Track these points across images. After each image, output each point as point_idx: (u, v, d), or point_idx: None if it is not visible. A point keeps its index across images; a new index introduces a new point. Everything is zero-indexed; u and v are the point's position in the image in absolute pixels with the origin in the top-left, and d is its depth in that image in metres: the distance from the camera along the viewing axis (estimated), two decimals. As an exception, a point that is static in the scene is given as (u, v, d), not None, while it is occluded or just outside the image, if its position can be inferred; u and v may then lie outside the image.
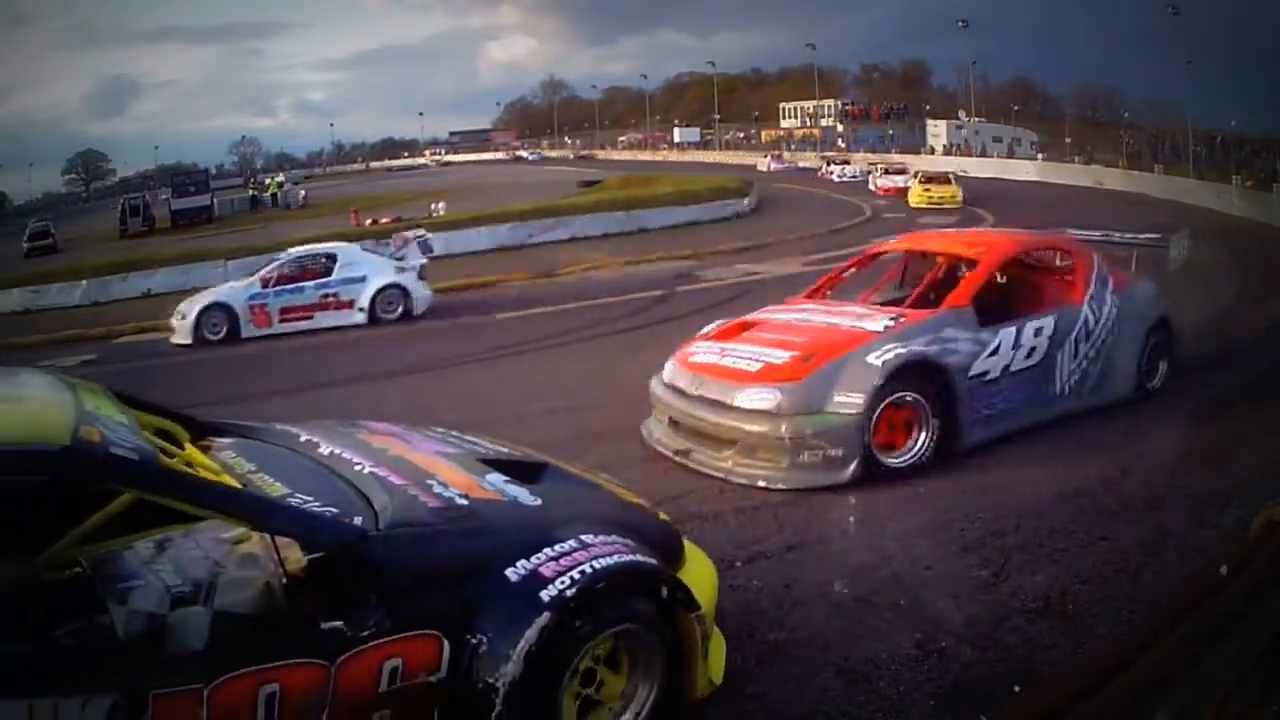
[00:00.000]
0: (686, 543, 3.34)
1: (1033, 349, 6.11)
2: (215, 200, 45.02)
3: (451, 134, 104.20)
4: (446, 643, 2.56)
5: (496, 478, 3.26)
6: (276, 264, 13.68)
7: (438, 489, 3.03)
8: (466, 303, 15.12)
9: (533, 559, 2.73)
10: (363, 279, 13.38)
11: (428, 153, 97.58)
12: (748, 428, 5.34)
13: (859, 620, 3.71)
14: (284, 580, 2.51)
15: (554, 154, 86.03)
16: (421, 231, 15.44)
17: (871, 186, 36.36)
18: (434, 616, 2.56)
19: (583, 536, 2.85)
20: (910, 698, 3.16)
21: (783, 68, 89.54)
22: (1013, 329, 6.05)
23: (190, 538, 2.76)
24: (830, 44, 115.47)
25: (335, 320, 13.24)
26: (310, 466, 3.24)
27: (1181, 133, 44.42)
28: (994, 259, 6.53)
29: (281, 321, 13.14)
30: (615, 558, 2.80)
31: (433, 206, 32.02)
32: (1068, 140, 54.10)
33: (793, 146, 70.00)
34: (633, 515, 3.28)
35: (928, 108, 71.73)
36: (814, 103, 79.48)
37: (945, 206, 28.36)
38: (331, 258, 13.64)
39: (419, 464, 3.28)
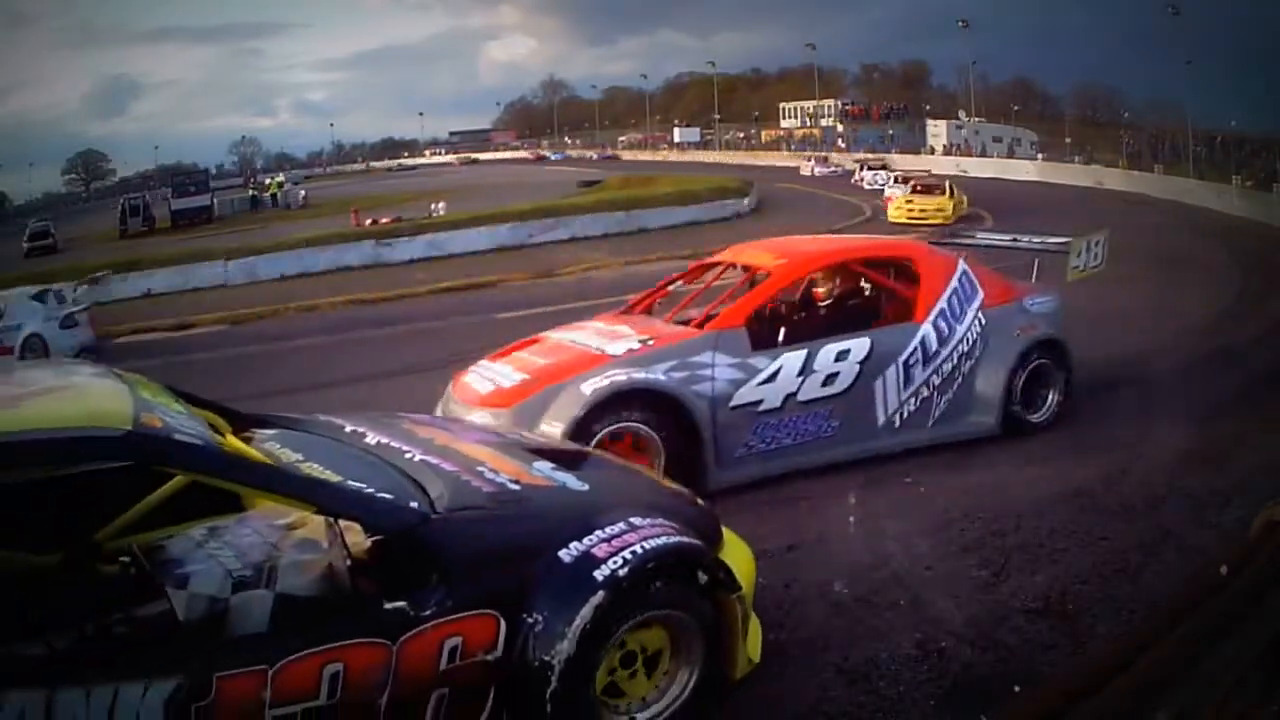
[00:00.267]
0: (724, 528, 3.40)
1: (832, 375, 5.45)
2: (215, 200, 44.97)
3: (451, 134, 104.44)
4: (503, 622, 2.63)
5: (544, 465, 3.35)
6: None
7: (489, 475, 3.11)
8: (467, 303, 15.12)
9: (584, 540, 2.80)
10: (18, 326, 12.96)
11: (450, 154, 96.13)
12: None
13: (859, 620, 3.70)
14: (348, 562, 2.57)
15: (577, 154, 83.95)
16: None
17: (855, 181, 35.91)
18: (492, 596, 2.63)
19: (631, 519, 2.93)
20: (910, 698, 3.16)
21: (783, 68, 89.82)
22: (801, 353, 5.42)
23: (246, 523, 2.82)
24: (830, 44, 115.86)
25: None
26: (359, 455, 3.30)
27: (1181, 133, 44.45)
28: (783, 274, 5.85)
29: None
30: (663, 539, 2.88)
31: (432, 206, 32.05)
32: (1068, 140, 54.19)
33: (793, 146, 69.87)
34: (673, 500, 3.37)
35: (928, 108, 71.83)
36: (814, 103, 79.56)
37: (931, 222, 23.24)
38: None
39: (467, 452, 3.36)
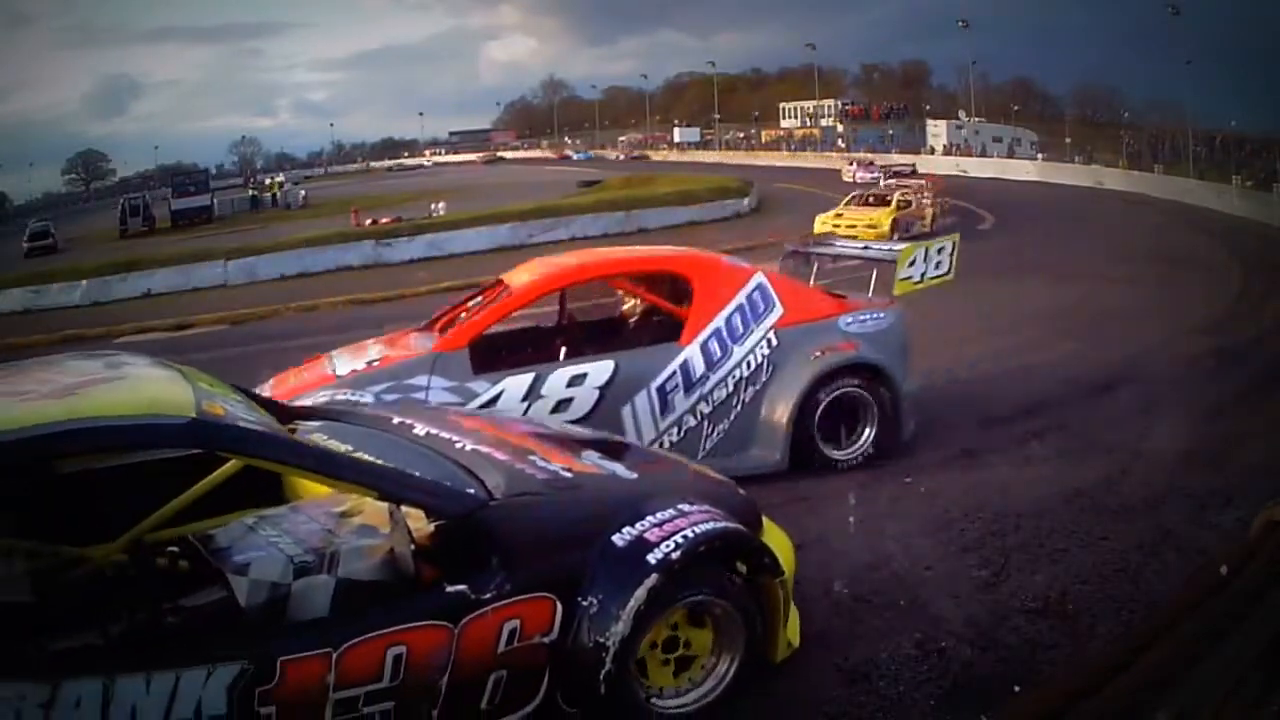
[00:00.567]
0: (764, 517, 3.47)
1: (565, 401, 5.06)
2: (215, 200, 45.09)
3: (451, 134, 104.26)
4: (560, 605, 2.70)
5: (592, 454, 3.44)
6: None
7: (540, 463, 3.20)
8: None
9: (637, 525, 2.89)
10: None
11: (474, 155, 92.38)
12: None
13: (859, 620, 3.70)
14: (412, 547, 2.62)
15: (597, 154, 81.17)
16: None
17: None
18: (549, 580, 2.70)
19: (680, 506, 3.01)
20: (910, 698, 3.16)
21: (783, 68, 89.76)
22: (527, 376, 5.06)
23: (300, 511, 2.88)
24: (830, 44, 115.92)
25: None
26: (409, 446, 3.35)
27: (1181, 133, 44.52)
28: (523, 293, 5.43)
29: None
30: (712, 524, 2.97)
31: (432, 206, 32.04)
32: (1068, 140, 54.19)
33: (793, 146, 69.69)
34: (716, 488, 3.44)
35: (928, 108, 71.82)
36: (814, 103, 79.51)
37: (861, 239, 19.23)
38: None
39: (516, 443, 3.43)
